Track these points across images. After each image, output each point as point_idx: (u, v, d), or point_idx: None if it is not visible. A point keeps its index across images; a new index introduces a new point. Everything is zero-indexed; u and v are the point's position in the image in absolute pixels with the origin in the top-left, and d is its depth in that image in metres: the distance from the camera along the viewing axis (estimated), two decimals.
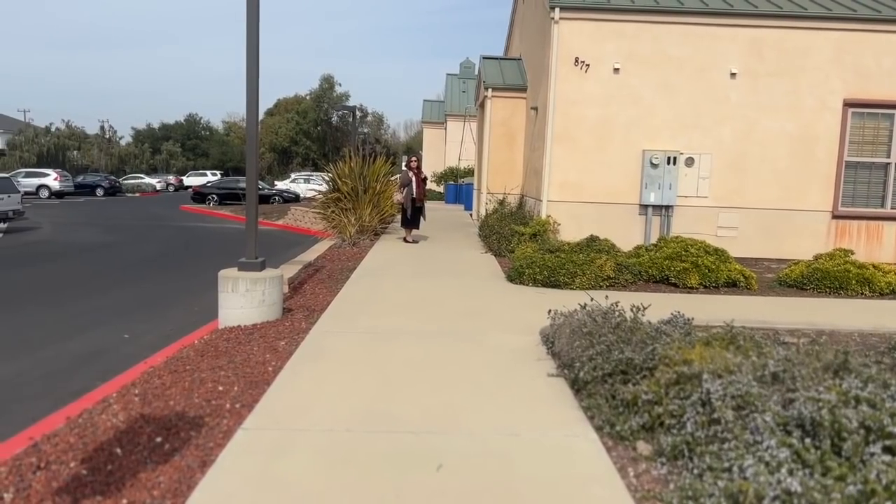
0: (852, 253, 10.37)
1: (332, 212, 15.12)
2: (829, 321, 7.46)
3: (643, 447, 3.84)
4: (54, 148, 54.84)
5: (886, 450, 3.20)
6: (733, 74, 12.30)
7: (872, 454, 3.17)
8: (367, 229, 14.60)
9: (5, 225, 20.01)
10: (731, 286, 9.46)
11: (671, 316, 5.55)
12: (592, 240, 10.63)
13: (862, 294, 9.29)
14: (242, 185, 29.28)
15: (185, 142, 74.91)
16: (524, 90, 16.68)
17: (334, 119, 68.10)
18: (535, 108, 14.58)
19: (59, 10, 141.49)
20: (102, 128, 64.93)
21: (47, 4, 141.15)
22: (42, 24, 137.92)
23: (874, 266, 9.71)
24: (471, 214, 21.91)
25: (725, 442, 3.46)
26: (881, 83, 12.29)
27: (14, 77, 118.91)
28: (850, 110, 12.39)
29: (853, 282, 9.34)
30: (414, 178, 13.90)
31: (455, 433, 4.05)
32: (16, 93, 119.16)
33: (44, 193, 38.03)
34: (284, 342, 6.03)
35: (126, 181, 49.09)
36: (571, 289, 8.97)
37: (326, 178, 16.90)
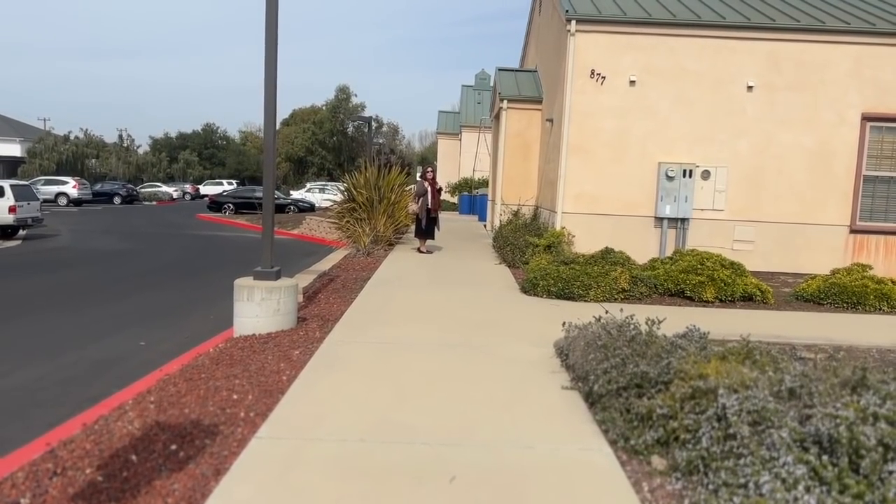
0: (870, 268, 10.25)
1: (347, 222, 15.19)
2: (847, 337, 7.38)
3: (658, 462, 3.82)
4: (73, 156, 55.46)
5: None
6: (750, 88, 12.26)
7: (891, 472, 3.13)
8: (381, 239, 14.65)
9: (24, 232, 20.27)
10: (748, 300, 9.39)
11: (686, 330, 5.52)
12: (607, 252, 10.59)
13: (880, 309, 9.19)
14: (258, 194, 29.51)
15: (201, 151, 75.53)
16: (539, 102, 16.71)
17: (350, 129, 68.47)
18: (551, 120, 14.59)
19: (79, 20, 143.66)
20: (121, 136, 65.73)
21: (68, 15, 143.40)
22: (62, 34, 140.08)
23: (893, 281, 9.61)
24: (485, 225, 21.92)
25: (741, 458, 3.43)
26: None
27: (34, 86, 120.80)
28: (869, 124, 12.30)
29: (871, 297, 9.24)
30: (429, 189, 13.94)
31: (469, 445, 4.04)
32: (36, 101, 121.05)
33: (62, 201, 38.51)
34: (299, 351, 6.06)
35: (143, 189, 49.59)
36: (586, 301, 8.94)
37: (342, 188, 16.99)
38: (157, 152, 70.19)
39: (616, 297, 9.11)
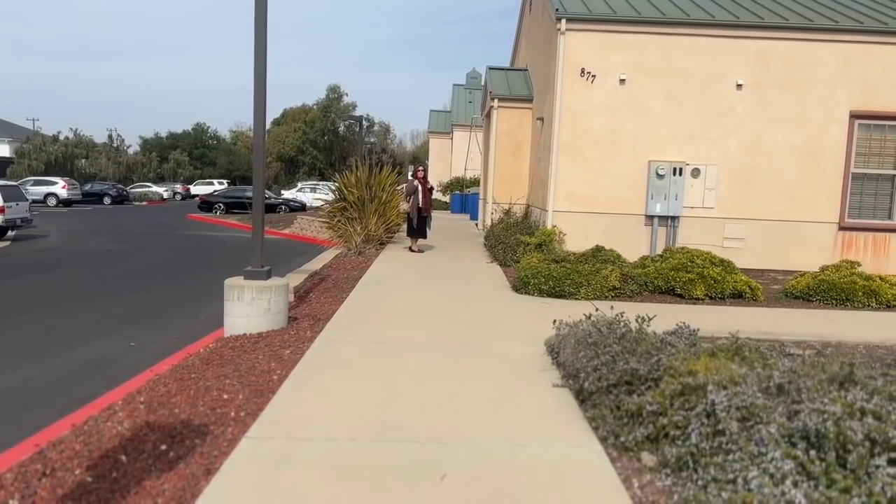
0: (859, 265, 10.33)
1: (339, 221, 15.16)
2: (835, 333, 7.44)
3: (648, 458, 3.83)
4: (62, 156, 55.09)
5: (892, 462, 3.19)
6: (740, 86, 12.31)
7: (878, 466, 3.16)
8: (372, 238, 14.63)
9: (13, 233, 20.13)
10: (737, 297, 9.44)
11: (676, 327, 5.55)
12: (598, 250, 10.62)
13: (868, 306, 9.26)
14: (249, 194, 29.39)
15: (192, 151, 75.22)
16: (530, 100, 16.73)
17: (341, 129, 68.29)
18: (542, 119, 14.61)
19: (67, 19, 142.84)
20: (110, 136, 65.33)
21: (56, 14, 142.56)
22: (51, 34, 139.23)
23: (881, 278, 9.68)
24: (476, 224, 21.93)
25: (730, 453, 3.45)
26: (888, 95, 12.27)
27: (23, 86, 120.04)
28: (857, 122, 12.37)
29: (860, 293, 9.30)
30: (420, 188, 13.94)
31: (460, 443, 4.04)
32: (24, 101, 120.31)
33: (52, 201, 38.23)
34: (290, 351, 6.05)
35: (133, 189, 49.34)
36: (577, 299, 8.97)
37: (333, 188, 16.97)
38: (148, 152, 69.84)
39: (607, 294, 9.14)
